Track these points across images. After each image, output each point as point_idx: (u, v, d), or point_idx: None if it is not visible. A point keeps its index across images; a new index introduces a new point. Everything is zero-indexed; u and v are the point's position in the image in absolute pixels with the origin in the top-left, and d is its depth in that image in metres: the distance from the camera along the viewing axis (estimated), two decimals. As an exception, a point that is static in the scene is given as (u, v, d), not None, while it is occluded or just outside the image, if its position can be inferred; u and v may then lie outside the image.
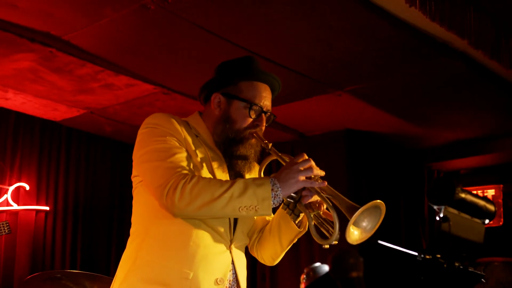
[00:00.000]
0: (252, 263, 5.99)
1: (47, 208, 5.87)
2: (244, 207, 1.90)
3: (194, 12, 3.82)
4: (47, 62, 4.60)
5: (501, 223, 6.44)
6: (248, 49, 4.26)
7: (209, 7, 3.76)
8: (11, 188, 5.63)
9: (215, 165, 2.09)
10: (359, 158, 6.20)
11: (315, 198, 2.02)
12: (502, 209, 6.49)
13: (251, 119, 2.14)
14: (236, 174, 2.15)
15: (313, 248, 6.00)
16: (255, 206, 1.90)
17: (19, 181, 5.72)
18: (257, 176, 2.21)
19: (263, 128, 2.17)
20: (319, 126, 6.04)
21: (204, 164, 2.06)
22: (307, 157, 1.99)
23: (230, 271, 2.06)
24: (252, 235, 2.28)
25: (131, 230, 2.12)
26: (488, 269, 5.16)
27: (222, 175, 2.09)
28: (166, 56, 4.53)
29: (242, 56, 2.25)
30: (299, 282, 4.84)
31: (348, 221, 1.82)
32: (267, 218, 2.28)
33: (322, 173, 1.99)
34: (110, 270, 6.11)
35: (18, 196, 5.68)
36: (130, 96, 5.31)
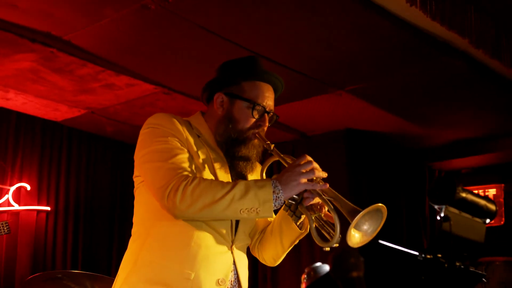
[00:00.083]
0: (254, 264, 5.99)
1: (48, 208, 5.88)
2: (246, 209, 1.89)
3: (195, 12, 3.83)
4: (48, 62, 4.61)
5: (502, 222, 6.44)
6: (248, 49, 4.26)
7: (209, 7, 3.77)
8: (12, 188, 5.63)
9: (217, 166, 2.08)
10: (359, 157, 6.19)
11: (317, 200, 2.01)
12: (503, 209, 6.49)
13: (254, 119, 2.13)
14: (237, 174, 2.14)
15: (314, 249, 5.99)
16: (257, 209, 1.89)
17: (20, 181, 5.72)
18: (259, 177, 2.20)
19: (266, 128, 2.16)
20: (320, 125, 6.04)
21: (206, 165, 2.05)
22: (309, 159, 1.98)
23: (231, 271, 2.05)
24: (253, 235, 2.27)
25: (133, 230, 2.12)
26: (489, 269, 5.15)
27: (224, 176, 2.08)
28: (167, 56, 4.53)
29: (245, 56, 2.24)
30: (300, 283, 4.83)
31: (349, 223, 1.81)
32: (269, 219, 2.27)
33: (324, 174, 1.97)
34: (111, 270, 6.11)
35: (19, 196, 5.68)
36: (131, 96, 5.31)
